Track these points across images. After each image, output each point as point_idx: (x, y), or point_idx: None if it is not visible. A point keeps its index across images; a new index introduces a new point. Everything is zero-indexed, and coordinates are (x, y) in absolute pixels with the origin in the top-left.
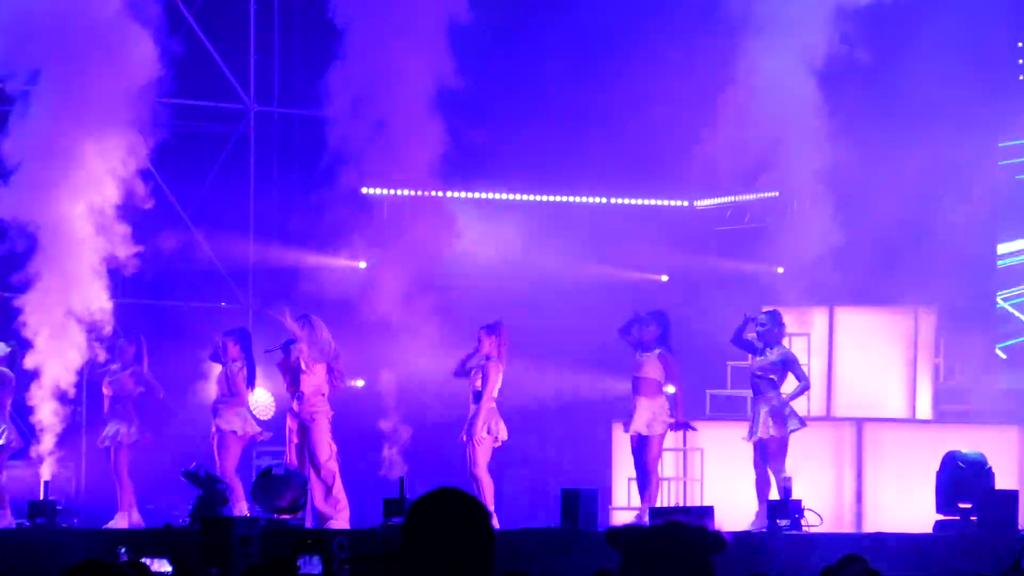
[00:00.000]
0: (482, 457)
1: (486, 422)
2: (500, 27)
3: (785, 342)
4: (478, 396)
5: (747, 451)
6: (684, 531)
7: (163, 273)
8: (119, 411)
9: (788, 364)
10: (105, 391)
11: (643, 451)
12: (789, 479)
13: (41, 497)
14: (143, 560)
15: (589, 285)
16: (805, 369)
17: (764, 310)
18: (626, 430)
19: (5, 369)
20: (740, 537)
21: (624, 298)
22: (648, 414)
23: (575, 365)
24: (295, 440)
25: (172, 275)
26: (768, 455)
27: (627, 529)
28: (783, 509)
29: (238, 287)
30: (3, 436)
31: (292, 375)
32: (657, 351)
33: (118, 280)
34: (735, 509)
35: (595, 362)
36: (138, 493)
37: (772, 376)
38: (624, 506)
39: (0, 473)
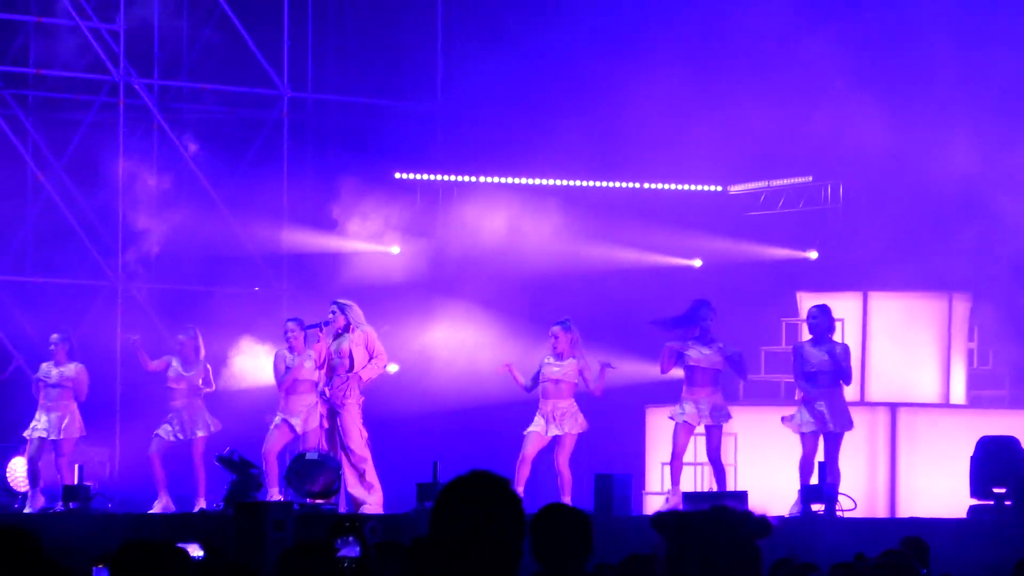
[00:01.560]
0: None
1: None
2: (535, 12)
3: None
4: (564, 389)
5: (781, 436)
6: (730, 516)
7: (197, 258)
8: (193, 405)
9: (846, 356)
10: (175, 386)
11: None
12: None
13: (75, 481)
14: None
15: (622, 270)
16: None
17: (814, 304)
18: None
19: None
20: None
21: (657, 283)
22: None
23: (608, 350)
24: (326, 425)
25: (206, 260)
26: (836, 447)
27: (673, 514)
28: (818, 494)
29: (272, 272)
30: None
31: (328, 359)
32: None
33: (151, 266)
34: (769, 494)
35: (628, 347)
36: (171, 479)
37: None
38: (657, 491)
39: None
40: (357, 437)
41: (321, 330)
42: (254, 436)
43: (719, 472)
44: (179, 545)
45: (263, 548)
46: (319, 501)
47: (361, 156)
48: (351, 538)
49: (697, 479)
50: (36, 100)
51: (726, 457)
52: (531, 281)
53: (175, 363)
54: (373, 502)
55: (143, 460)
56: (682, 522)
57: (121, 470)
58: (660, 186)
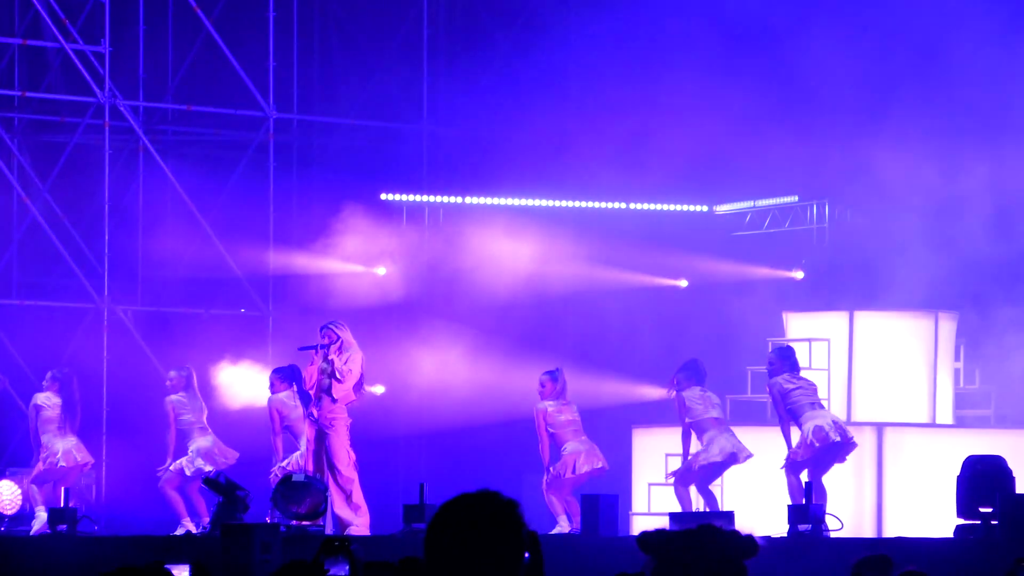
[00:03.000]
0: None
1: None
2: (520, 32)
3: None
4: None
5: (767, 456)
6: (717, 535)
7: (183, 280)
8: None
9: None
10: (187, 417)
11: None
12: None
13: (62, 504)
14: (167, 566)
15: (607, 291)
16: (824, 375)
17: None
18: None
19: (46, 399)
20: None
21: (643, 304)
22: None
23: (595, 371)
24: (313, 447)
25: (192, 282)
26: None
27: (659, 533)
28: (804, 514)
29: (258, 294)
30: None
31: (319, 381)
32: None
33: (137, 287)
34: (755, 514)
35: (615, 367)
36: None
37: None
38: (644, 511)
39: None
40: (345, 458)
41: (317, 352)
42: (242, 457)
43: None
44: (167, 567)
45: (250, 570)
46: (306, 523)
47: (347, 177)
48: (340, 557)
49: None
50: (21, 122)
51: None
52: (518, 301)
53: (184, 400)
54: (360, 523)
55: (129, 482)
56: (668, 542)
57: (108, 492)
58: (646, 206)
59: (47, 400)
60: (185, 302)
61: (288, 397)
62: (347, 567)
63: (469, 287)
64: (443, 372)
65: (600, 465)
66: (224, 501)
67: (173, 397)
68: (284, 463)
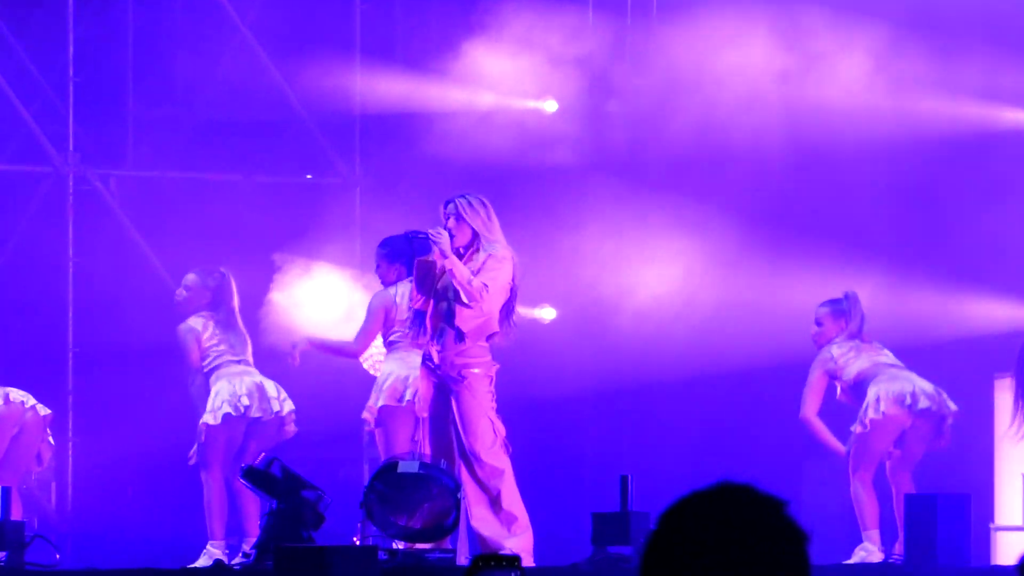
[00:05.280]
0: None
1: None
2: None
3: None
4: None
5: None
6: None
7: (203, 127)
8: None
9: None
10: (220, 348)
11: None
12: None
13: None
14: None
15: (959, 138)
16: None
17: None
18: None
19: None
20: None
21: (1013, 165)
22: None
23: (921, 281)
24: (431, 412)
25: (219, 130)
26: None
27: None
28: None
29: (337, 149)
30: None
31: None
32: None
33: (126, 140)
34: None
35: (958, 275)
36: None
37: None
38: (1014, 525)
39: None
40: (488, 434)
41: (437, 252)
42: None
43: None
44: None
45: None
46: (424, 545)
47: None
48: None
49: None
50: None
51: None
52: (793, 159)
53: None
54: (517, 545)
55: (115, 476)
56: None
57: (78, 495)
58: None
59: None
60: (209, 164)
61: (403, 292)
62: None
63: (705, 135)
64: (654, 283)
65: (950, 410)
66: (279, 508)
67: (192, 321)
68: (374, 402)
